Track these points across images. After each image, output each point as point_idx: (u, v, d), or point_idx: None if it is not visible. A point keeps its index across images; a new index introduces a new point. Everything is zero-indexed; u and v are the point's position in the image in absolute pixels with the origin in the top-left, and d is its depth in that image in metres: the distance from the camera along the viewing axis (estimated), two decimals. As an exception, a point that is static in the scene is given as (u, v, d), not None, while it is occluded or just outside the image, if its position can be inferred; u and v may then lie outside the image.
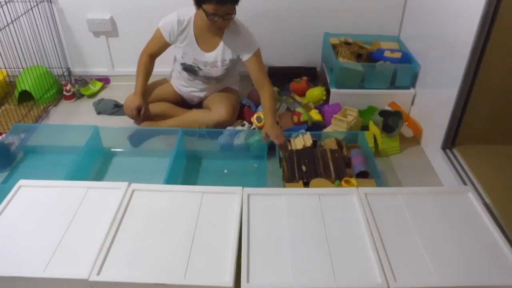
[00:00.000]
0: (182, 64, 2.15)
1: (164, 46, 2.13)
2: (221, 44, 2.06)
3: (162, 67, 2.33)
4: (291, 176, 1.83)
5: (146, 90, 2.20)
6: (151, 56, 2.17)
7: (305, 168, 1.85)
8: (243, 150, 2.05)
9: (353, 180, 1.75)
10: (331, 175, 1.82)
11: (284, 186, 1.77)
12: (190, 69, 2.15)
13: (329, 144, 1.97)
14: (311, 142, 1.96)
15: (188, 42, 2.06)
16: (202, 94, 2.29)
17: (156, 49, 2.14)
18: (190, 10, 1.99)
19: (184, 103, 2.36)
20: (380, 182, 1.75)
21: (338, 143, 1.98)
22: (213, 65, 2.11)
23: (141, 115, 2.15)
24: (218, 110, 2.14)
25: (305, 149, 1.93)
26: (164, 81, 2.35)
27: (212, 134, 2.11)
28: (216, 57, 2.09)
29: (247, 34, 2.05)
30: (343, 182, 1.75)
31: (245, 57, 2.06)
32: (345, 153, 1.94)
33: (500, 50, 1.67)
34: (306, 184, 1.80)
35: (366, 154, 1.93)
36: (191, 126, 2.13)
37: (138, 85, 2.15)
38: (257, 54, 2.07)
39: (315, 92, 2.39)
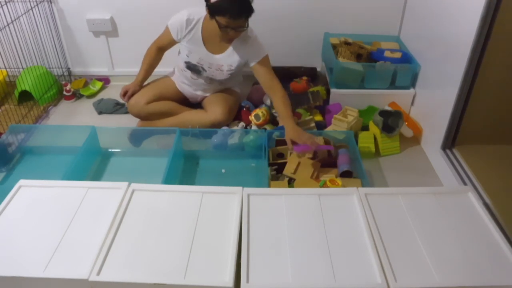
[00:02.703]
0: (186, 62, 2.15)
1: (171, 43, 2.16)
2: (229, 49, 2.06)
3: (164, 67, 2.33)
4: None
5: (149, 86, 2.26)
6: (159, 48, 2.21)
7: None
8: (240, 150, 2.04)
9: (338, 180, 1.74)
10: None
11: (269, 186, 1.77)
12: (194, 69, 2.16)
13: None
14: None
15: (195, 42, 2.07)
16: (204, 94, 2.29)
17: (164, 44, 2.19)
18: (201, 11, 1.99)
19: (187, 102, 2.36)
20: (366, 182, 1.75)
21: (326, 142, 1.98)
22: (218, 68, 2.11)
23: (127, 97, 2.21)
24: (214, 110, 2.15)
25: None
26: (167, 79, 2.35)
27: (206, 134, 2.11)
28: (222, 61, 2.09)
29: (256, 40, 2.04)
30: (328, 182, 1.74)
31: (252, 63, 2.04)
32: (332, 152, 1.94)
33: (500, 50, 1.67)
34: (291, 184, 1.80)
35: (353, 154, 1.92)
36: (186, 126, 2.14)
37: (140, 74, 2.23)
38: (265, 59, 2.03)
39: (315, 92, 2.39)
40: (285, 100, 1.97)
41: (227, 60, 2.08)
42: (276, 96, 1.99)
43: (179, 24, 2.04)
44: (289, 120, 1.89)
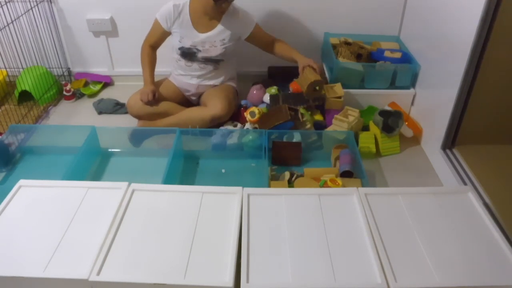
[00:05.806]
0: (180, 48, 2.18)
1: (163, 36, 2.21)
2: (219, 26, 2.15)
3: (165, 67, 2.33)
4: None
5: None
6: (151, 47, 2.26)
7: None
8: (240, 150, 2.04)
9: (338, 180, 1.75)
10: None
11: (269, 185, 1.77)
12: (188, 53, 2.19)
13: None
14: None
15: (185, 26, 2.13)
16: (197, 81, 2.28)
17: (155, 39, 2.23)
18: None
19: (186, 103, 2.36)
20: (366, 182, 1.75)
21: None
22: (212, 44, 2.16)
23: (155, 98, 2.19)
24: (214, 104, 2.15)
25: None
26: (166, 80, 2.36)
27: (206, 133, 2.11)
28: (214, 37, 2.16)
29: (243, 12, 2.18)
30: (328, 182, 1.74)
31: (246, 35, 2.21)
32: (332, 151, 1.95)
33: (500, 50, 1.67)
34: (291, 184, 1.81)
35: (354, 154, 1.92)
36: (187, 123, 2.14)
37: (146, 75, 2.24)
38: (257, 27, 2.22)
39: (315, 92, 2.39)
40: (286, 42, 2.31)
41: (219, 35, 2.16)
42: (277, 43, 2.29)
43: (167, 12, 2.12)
44: (298, 53, 2.26)
